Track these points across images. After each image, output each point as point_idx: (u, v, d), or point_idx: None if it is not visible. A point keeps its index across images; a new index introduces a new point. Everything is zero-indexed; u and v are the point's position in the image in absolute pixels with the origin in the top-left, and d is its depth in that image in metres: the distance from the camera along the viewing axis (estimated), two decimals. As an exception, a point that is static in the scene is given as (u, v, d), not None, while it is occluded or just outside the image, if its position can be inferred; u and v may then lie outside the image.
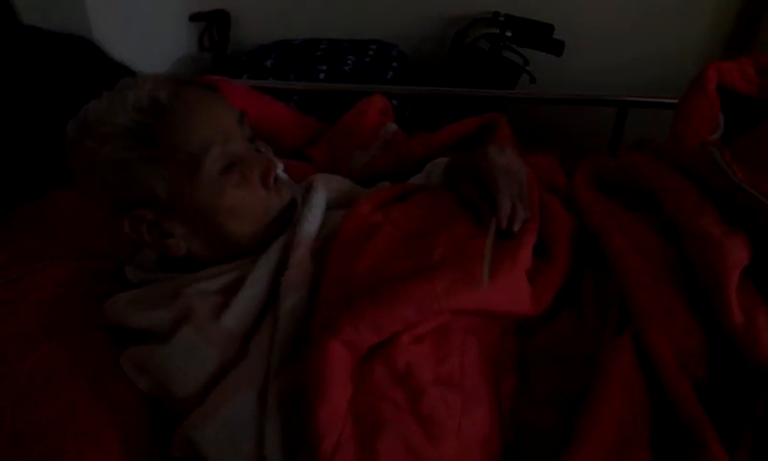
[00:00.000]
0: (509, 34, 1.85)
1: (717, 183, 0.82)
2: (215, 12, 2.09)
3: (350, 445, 0.64)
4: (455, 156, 0.98)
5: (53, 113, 0.92)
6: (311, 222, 0.84)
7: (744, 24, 1.91)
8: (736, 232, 0.76)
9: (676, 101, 1.12)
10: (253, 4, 2.11)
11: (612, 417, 0.65)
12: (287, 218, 0.85)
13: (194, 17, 2.09)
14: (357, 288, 0.73)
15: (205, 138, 0.77)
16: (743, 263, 0.72)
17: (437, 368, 0.70)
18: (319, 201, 0.88)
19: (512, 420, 0.73)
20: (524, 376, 0.76)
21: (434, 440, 0.65)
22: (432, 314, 0.71)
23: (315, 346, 0.67)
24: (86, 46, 1.26)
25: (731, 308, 0.69)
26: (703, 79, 0.96)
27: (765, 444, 0.64)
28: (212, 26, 2.10)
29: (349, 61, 1.85)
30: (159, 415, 0.79)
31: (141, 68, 1.25)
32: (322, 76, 1.81)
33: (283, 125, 1.35)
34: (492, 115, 1.17)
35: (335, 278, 0.76)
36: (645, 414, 0.68)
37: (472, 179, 0.86)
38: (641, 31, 1.97)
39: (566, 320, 0.79)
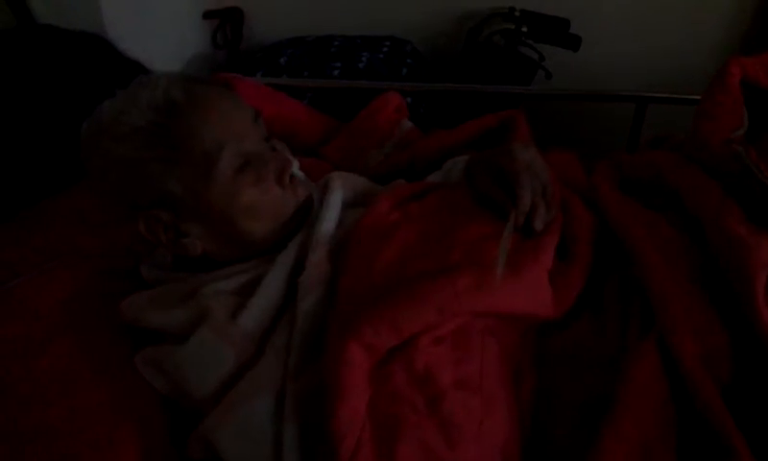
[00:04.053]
0: (524, 29, 1.84)
1: (743, 182, 0.80)
2: (228, 10, 2.09)
3: (369, 447, 0.63)
4: (477, 152, 0.97)
5: (68, 111, 0.92)
6: (328, 221, 0.83)
7: (762, 16, 1.88)
8: (762, 231, 0.74)
9: (696, 97, 1.10)
10: (267, 1, 2.10)
11: (637, 421, 0.64)
12: (304, 216, 0.85)
13: (207, 15, 2.09)
14: (376, 288, 0.72)
15: (220, 137, 0.76)
16: (771, 262, 0.71)
17: (456, 370, 0.69)
18: (336, 199, 0.87)
19: (531, 421, 0.72)
20: (544, 377, 0.75)
21: (453, 444, 0.64)
22: (453, 315, 0.70)
23: (334, 347, 0.67)
24: (101, 44, 1.26)
25: (759, 308, 0.68)
26: (726, 74, 0.94)
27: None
28: (226, 24, 2.10)
29: (364, 58, 1.83)
30: (176, 415, 0.79)
31: (155, 66, 1.25)
32: (336, 73, 1.80)
33: (298, 122, 1.34)
34: (510, 112, 1.15)
35: (353, 277, 0.75)
36: (670, 418, 0.67)
37: (495, 175, 0.85)
38: (659, 25, 1.94)
39: (588, 322, 0.78)
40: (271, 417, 0.69)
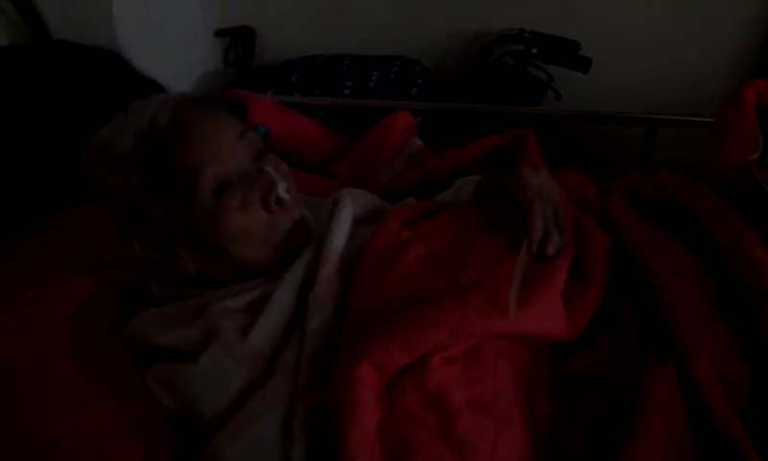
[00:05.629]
0: (534, 50, 1.84)
1: (757, 204, 0.79)
2: (240, 29, 2.11)
3: None
4: (487, 174, 0.96)
5: (82, 127, 0.93)
6: (338, 237, 0.82)
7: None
8: (780, 255, 0.73)
9: (706, 119, 1.10)
10: (278, 21, 2.12)
11: (656, 445, 0.63)
12: (301, 237, 0.83)
13: (219, 33, 2.11)
14: (387, 307, 0.71)
15: (198, 161, 0.75)
16: (791, 286, 0.70)
17: (468, 390, 0.68)
18: (346, 216, 0.86)
19: (546, 443, 0.71)
20: (560, 398, 0.74)
21: (466, 466, 0.63)
22: (464, 336, 0.69)
23: (343, 367, 0.66)
24: (116, 60, 1.27)
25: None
26: (741, 98, 0.94)
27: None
28: (237, 42, 2.12)
29: (374, 77, 1.84)
30: (184, 434, 0.78)
31: (167, 83, 1.26)
32: (347, 92, 1.81)
33: (309, 140, 1.34)
34: (520, 131, 1.15)
35: (364, 295, 0.74)
36: (688, 442, 0.65)
37: (505, 199, 0.84)
38: (669, 48, 1.95)
39: (604, 343, 0.77)
40: (280, 436, 0.67)
